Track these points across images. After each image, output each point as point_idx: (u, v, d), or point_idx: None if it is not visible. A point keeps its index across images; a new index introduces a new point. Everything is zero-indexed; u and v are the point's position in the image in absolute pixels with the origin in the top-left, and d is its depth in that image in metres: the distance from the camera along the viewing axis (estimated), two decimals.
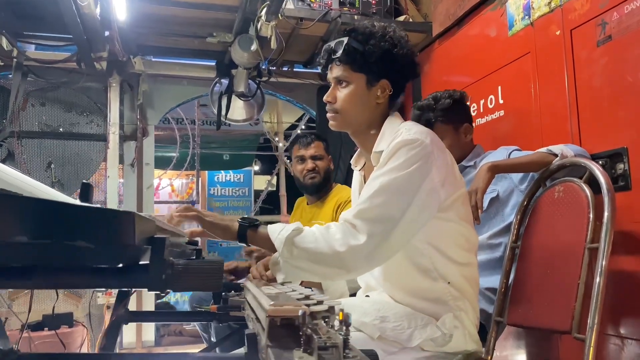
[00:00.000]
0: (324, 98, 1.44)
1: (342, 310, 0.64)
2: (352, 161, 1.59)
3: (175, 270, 0.66)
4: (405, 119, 1.51)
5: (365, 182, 1.50)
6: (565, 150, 1.76)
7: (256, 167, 8.05)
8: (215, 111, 3.36)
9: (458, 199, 1.34)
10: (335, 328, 0.62)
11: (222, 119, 3.36)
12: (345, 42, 1.36)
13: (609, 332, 1.75)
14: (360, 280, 1.52)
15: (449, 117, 2.05)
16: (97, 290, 2.53)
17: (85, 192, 0.62)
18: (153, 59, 3.39)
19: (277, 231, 1.22)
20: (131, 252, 0.56)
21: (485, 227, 1.97)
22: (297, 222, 1.26)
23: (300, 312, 0.62)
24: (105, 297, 2.78)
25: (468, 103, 2.21)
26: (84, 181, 0.62)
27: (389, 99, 1.42)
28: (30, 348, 2.19)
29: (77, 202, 0.57)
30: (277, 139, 6.72)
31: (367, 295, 1.43)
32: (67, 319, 2.54)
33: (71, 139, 3.19)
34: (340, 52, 1.37)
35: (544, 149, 1.80)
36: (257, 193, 7.64)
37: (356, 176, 1.58)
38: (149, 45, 3.15)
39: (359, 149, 1.54)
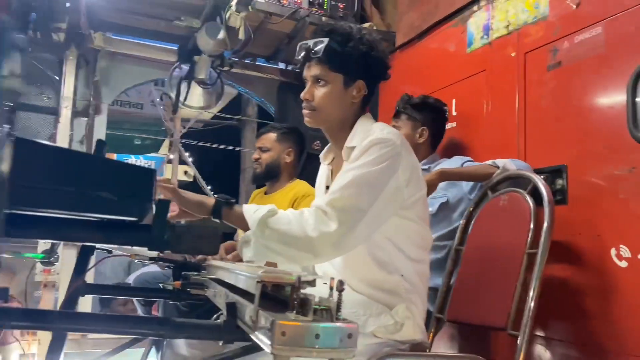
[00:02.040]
0: (302, 95, 1.49)
1: (333, 278, 0.70)
2: (321, 155, 1.65)
3: (177, 232, 0.70)
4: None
5: (332, 176, 1.57)
6: (508, 165, 1.91)
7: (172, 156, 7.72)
8: (173, 96, 3.33)
9: (419, 200, 1.44)
10: (327, 295, 0.68)
11: (180, 104, 3.34)
12: (326, 42, 1.42)
13: (538, 333, 1.90)
14: (319, 269, 1.58)
15: (414, 113, 2.25)
16: (35, 263, 2.44)
17: (100, 148, 0.65)
18: (113, 36, 3.31)
19: (252, 210, 1.26)
20: (148, 209, 0.60)
21: (432, 229, 2.09)
22: (271, 204, 1.30)
23: (295, 277, 0.67)
24: (44, 275, 2.69)
25: (444, 116, 2.37)
26: (100, 139, 0.65)
27: (363, 99, 1.50)
28: None
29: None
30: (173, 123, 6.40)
31: (325, 283, 1.48)
32: (3, 294, 2.43)
33: (19, 110, 3.06)
34: (320, 52, 1.43)
35: (489, 162, 1.95)
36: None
37: (324, 170, 1.64)
38: (112, 21, 3.08)
39: (328, 145, 1.61)
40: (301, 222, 1.24)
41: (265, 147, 2.52)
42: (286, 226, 1.23)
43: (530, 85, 2.08)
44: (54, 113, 3.11)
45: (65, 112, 3.06)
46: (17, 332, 2.38)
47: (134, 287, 2.24)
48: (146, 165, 6.95)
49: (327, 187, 1.56)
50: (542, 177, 1.90)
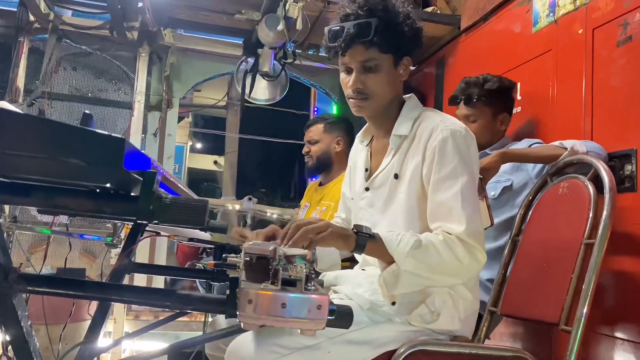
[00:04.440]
0: (351, 85, 1.37)
1: (312, 252, 0.68)
2: (358, 135, 1.59)
3: (163, 203, 0.71)
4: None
5: (372, 159, 1.52)
6: (577, 146, 1.76)
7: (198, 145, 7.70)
8: (240, 89, 3.42)
9: None
10: (302, 266, 0.67)
11: (246, 97, 3.42)
12: (375, 23, 1.29)
13: (604, 331, 1.76)
14: (358, 255, 1.55)
15: (492, 100, 2.08)
16: (110, 249, 2.62)
17: (86, 121, 0.68)
18: (183, 33, 3.46)
19: (395, 243, 1.21)
20: (120, 176, 0.61)
21: (493, 214, 1.98)
22: (411, 232, 1.25)
23: (270, 248, 0.66)
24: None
25: (515, 95, 2.22)
26: (85, 111, 0.68)
27: None
28: (42, 299, 2.29)
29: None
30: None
31: (363, 269, 1.46)
32: (80, 274, 2.64)
33: (98, 105, 3.30)
34: (368, 34, 1.30)
35: (555, 143, 1.82)
36: (193, 172, 7.19)
37: (361, 150, 1.57)
38: (180, 18, 3.22)
39: (366, 125, 1.55)
40: (450, 253, 1.22)
41: (314, 140, 2.51)
42: (437, 257, 1.21)
43: (599, 64, 1.91)
44: (129, 107, 3.31)
45: (138, 106, 3.25)
46: (92, 309, 2.56)
47: (176, 267, 2.34)
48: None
49: (367, 170, 1.50)
50: (610, 162, 1.77)
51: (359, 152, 1.59)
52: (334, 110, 3.88)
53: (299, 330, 0.64)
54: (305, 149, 2.56)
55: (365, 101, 1.38)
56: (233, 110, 7.32)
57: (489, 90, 2.06)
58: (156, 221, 0.71)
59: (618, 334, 1.72)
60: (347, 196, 1.62)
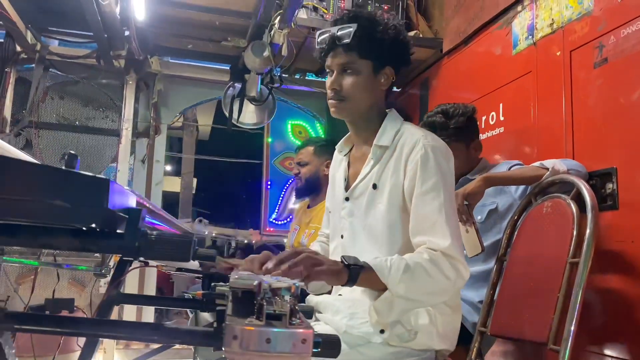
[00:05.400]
0: (328, 85, 1.43)
1: (295, 284, 0.70)
2: (338, 145, 1.61)
3: (149, 239, 0.72)
4: None
5: (349, 168, 1.54)
6: (557, 165, 1.79)
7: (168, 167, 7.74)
8: (227, 114, 3.45)
9: None
10: (286, 299, 0.68)
11: (233, 122, 3.44)
12: (354, 28, 1.36)
13: (593, 349, 1.77)
14: None
15: (462, 135, 2.04)
16: (99, 278, 2.60)
17: (71, 161, 0.69)
18: (170, 60, 3.50)
19: (386, 270, 1.20)
20: (105, 215, 0.62)
21: (482, 237, 2.00)
22: (397, 256, 1.24)
23: (255, 283, 0.67)
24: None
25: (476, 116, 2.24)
26: (70, 152, 0.69)
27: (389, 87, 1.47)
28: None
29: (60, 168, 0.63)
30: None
31: (340, 294, 1.46)
32: (69, 304, 2.60)
33: (86, 133, 3.31)
34: (347, 38, 1.36)
35: (536, 164, 1.85)
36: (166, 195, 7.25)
37: (340, 161, 1.59)
38: (166, 46, 3.26)
39: (347, 135, 1.57)
40: (438, 272, 1.23)
41: (304, 162, 2.54)
42: (426, 277, 1.22)
43: (577, 85, 1.96)
44: (116, 135, 3.32)
45: (126, 133, 3.26)
46: (81, 341, 2.53)
47: (165, 297, 2.32)
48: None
49: (345, 180, 1.52)
50: (591, 181, 1.80)
51: (337, 163, 1.61)
52: (321, 132, 3.92)
53: None
54: (295, 170, 2.60)
55: (340, 102, 1.42)
56: (188, 131, 7.42)
57: (455, 128, 2.03)
58: (142, 258, 0.72)
59: (607, 352, 1.73)
60: (330, 209, 1.64)
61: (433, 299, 1.30)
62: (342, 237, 1.48)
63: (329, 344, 0.73)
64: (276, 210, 4.41)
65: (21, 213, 0.61)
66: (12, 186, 0.59)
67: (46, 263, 2.38)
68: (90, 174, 0.61)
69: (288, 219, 4.39)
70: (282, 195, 4.43)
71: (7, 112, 3.12)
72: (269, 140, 4.40)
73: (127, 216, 0.72)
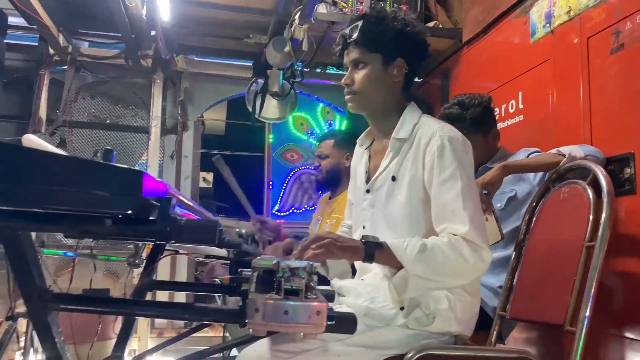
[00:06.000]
0: (342, 81, 1.48)
1: (309, 264, 0.76)
2: (359, 139, 1.65)
3: (178, 225, 0.80)
4: None
5: (370, 161, 1.58)
6: (574, 151, 1.81)
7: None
8: (251, 109, 3.53)
9: None
10: (303, 277, 0.75)
11: (256, 116, 3.53)
12: (360, 24, 1.42)
13: (611, 331, 1.80)
14: (356, 262, 1.61)
15: (479, 125, 2.08)
16: (132, 269, 2.73)
17: (108, 156, 0.78)
18: (195, 58, 3.60)
19: (402, 249, 1.26)
20: (139, 203, 0.70)
21: (502, 225, 2.03)
22: (417, 237, 1.30)
23: (273, 262, 0.75)
24: None
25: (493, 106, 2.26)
26: (107, 147, 0.78)
27: (405, 79, 1.50)
28: (70, 318, 2.40)
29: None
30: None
31: (362, 279, 1.51)
32: (104, 294, 2.75)
33: (116, 130, 3.44)
34: (355, 34, 1.43)
35: (553, 150, 1.87)
36: None
37: (361, 154, 1.63)
38: (191, 45, 3.35)
39: (368, 129, 1.61)
40: (456, 254, 1.27)
41: (324, 154, 2.60)
42: (443, 258, 1.26)
43: (594, 71, 1.97)
44: (146, 132, 3.44)
45: (155, 131, 3.38)
46: (117, 327, 2.66)
47: (195, 283, 2.42)
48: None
49: (367, 172, 1.57)
50: (609, 166, 1.82)
51: (358, 156, 1.66)
52: (343, 125, 3.98)
53: (302, 335, 0.72)
54: (315, 163, 2.66)
55: (354, 96, 1.47)
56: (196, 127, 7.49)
57: (472, 119, 2.07)
58: (173, 241, 0.80)
59: (626, 334, 1.75)
60: (352, 202, 1.69)
61: (450, 281, 1.34)
62: (364, 227, 1.53)
63: (344, 319, 0.80)
64: (278, 202, 4.43)
65: (66, 202, 0.69)
66: (58, 179, 0.68)
67: (83, 254, 2.51)
68: (125, 166, 0.69)
69: (293, 210, 4.41)
70: (284, 187, 4.44)
71: (43, 112, 3.26)
72: (270, 137, 4.40)
73: (158, 204, 0.80)
